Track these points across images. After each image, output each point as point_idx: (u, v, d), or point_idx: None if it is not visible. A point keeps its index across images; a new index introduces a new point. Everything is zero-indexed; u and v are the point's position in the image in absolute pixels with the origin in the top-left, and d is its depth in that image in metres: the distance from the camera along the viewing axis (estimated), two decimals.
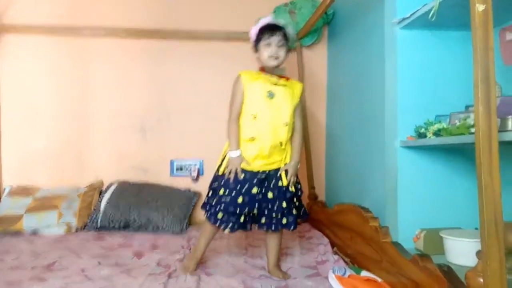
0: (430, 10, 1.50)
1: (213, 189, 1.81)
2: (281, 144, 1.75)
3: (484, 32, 1.05)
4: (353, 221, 1.93)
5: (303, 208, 1.87)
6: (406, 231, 1.65)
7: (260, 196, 1.74)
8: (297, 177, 1.82)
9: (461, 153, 1.68)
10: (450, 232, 1.50)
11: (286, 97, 1.77)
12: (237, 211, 1.69)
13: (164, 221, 2.52)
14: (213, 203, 1.74)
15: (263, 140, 1.72)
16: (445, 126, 1.48)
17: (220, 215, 1.70)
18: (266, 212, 1.75)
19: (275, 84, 1.76)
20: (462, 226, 1.65)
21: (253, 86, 1.75)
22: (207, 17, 2.91)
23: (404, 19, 1.68)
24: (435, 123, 1.54)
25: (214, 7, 2.93)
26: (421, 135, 1.58)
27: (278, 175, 1.77)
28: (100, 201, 2.63)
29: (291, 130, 1.81)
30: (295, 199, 1.80)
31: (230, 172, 1.73)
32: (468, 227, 1.63)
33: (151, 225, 2.52)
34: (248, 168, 1.74)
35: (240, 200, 1.70)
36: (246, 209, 1.71)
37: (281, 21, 1.82)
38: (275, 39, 1.74)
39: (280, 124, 1.74)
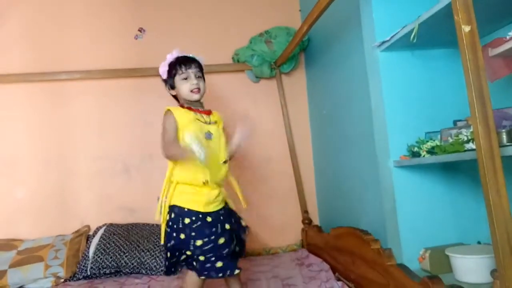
0: (409, 32, 1.53)
1: (176, 248, 1.63)
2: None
3: (473, 52, 1.07)
4: (353, 245, 1.91)
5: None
6: (410, 252, 1.63)
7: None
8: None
9: (456, 168, 1.70)
10: (455, 249, 1.50)
11: (219, 134, 1.72)
12: (225, 252, 1.61)
13: (157, 262, 2.44)
14: (203, 259, 1.60)
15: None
16: (438, 144, 1.49)
17: (219, 264, 1.60)
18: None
19: (208, 123, 1.69)
20: (464, 241, 1.65)
21: (188, 128, 1.63)
22: (185, 52, 2.89)
23: (384, 42, 1.71)
24: (427, 141, 1.56)
25: (189, 42, 2.92)
26: (415, 154, 1.59)
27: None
28: (89, 247, 2.53)
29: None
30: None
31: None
32: (469, 241, 1.64)
33: (144, 267, 2.42)
34: (209, 209, 1.64)
35: (221, 241, 1.61)
36: (228, 249, 1.63)
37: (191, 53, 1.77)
38: (193, 70, 1.70)
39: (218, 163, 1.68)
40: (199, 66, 1.74)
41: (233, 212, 1.78)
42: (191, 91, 1.69)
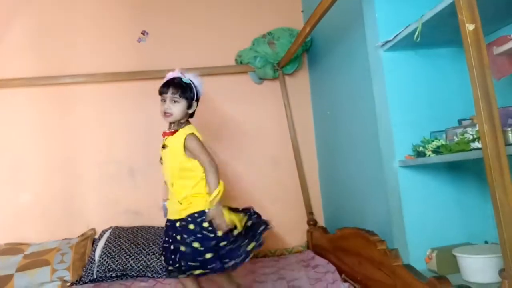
0: (413, 31, 1.52)
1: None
2: None
3: (477, 50, 1.07)
4: (359, 246, 1.90)
5: None
6: (416, 252, 1.62)
7: None
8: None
9: (462, 168, 1.69)
10: (462, 249, 1.48)
11: (168, 159, 1.82)
12: None
13: (163, 264, 2.43)
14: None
15: None
16: (443, 143, 1.48)
17: None
18: None
19: (163, 148, 1.82)
20: (471, 241, 1.64)
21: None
22: (188, 54, 2.91)
23: (387, 42, 1.71)
24: (432, 141, 1.55)
25: (191, 44, 2.93)
26: (420, 154, 1.58)
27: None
28: (94, 251, 2.53)
29: None
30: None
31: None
32: (476, 241, 1.62)
33: (150, 270, 2.42)
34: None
35: None
36: None
37: (186, 76, 1.82)
38: (168, 95, 1.76)
39: None
40: (181, 90, 1.76)
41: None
42: (164, 114, 1.78)
